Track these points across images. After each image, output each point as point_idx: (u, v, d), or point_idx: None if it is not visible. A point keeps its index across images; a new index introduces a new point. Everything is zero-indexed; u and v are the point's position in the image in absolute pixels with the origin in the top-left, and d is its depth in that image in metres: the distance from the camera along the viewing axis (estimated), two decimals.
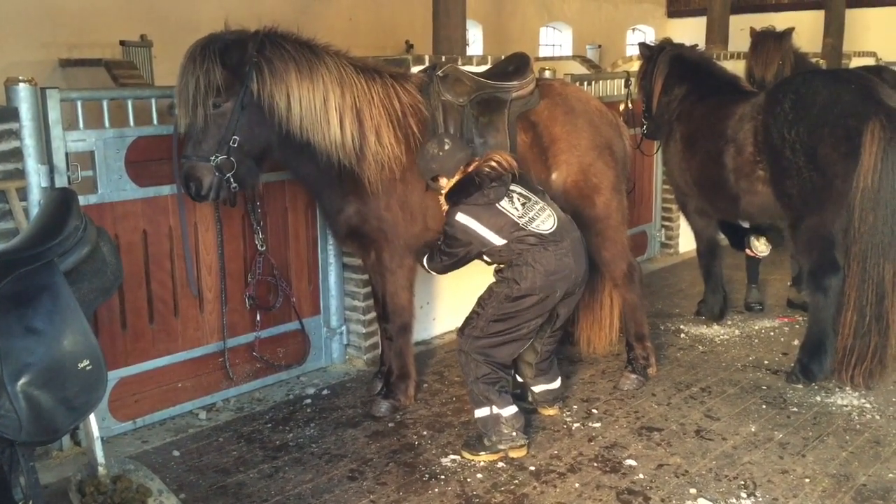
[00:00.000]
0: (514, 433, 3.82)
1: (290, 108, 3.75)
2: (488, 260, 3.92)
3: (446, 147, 3.82)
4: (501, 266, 3.88)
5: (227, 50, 3.66)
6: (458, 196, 3.77)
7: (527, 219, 3.76)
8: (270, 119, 3.78)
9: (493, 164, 3.78)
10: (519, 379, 4.25)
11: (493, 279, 3.94)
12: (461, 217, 3.75)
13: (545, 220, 3.80)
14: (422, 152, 3.89)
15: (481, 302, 3.90)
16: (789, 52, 6.42)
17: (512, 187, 3.81)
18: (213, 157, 3.71)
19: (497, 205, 3.74)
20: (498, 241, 3.74)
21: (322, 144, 3.87)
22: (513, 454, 3.84)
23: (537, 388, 4.24)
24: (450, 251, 3.86)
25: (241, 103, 3.71)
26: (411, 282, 4.33)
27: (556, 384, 4.28)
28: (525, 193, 3.85)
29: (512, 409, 3.86)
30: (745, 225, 5.47)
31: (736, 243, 5.62)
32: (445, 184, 3.85)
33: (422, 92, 4.19)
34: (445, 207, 3.86)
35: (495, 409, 3.82)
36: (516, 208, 3.77)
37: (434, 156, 3.82)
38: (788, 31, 6.46)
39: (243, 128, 3.74)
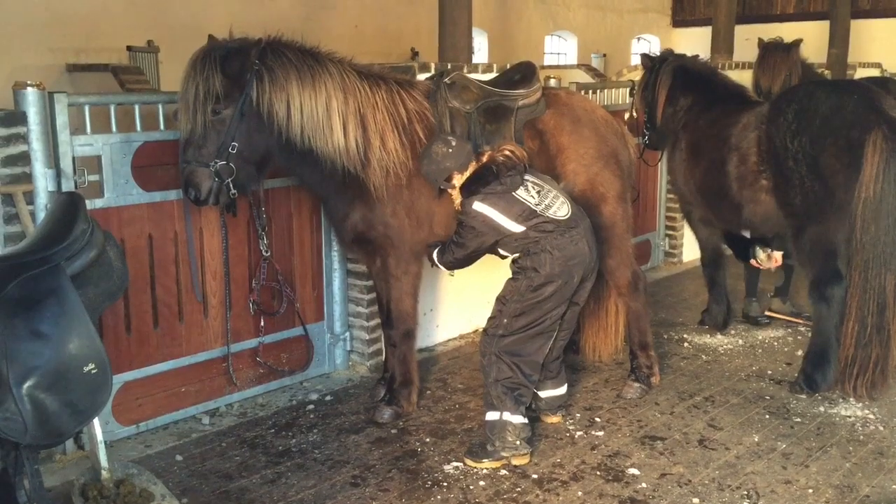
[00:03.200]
0: (517, 442, 3.82)
1: (289, 115, 3.79)
2: (503, 253, 3.91)
3: (453, 143, 3.84)
4: (517, 257, 3.88)
5: (229, 57, 3.70)
6: (475, 186, 3.78)
7: (543, 206, 3.79)
8: (270, 126, 3.82)
9: (507, 153, 3.80)
10: None
11: (499, 286, 3.94)
12: (479, 206, 3.75)
13: (560, 206, 3.84)
14: (429, 157, 3.87)
15: (501, 300, 3.90)
16: (797, 63, 6.43)
17: (526, 177, 3.84)
18: (212, 163, 3.75)
19: (513, 193, 3.76)
20: (516, 228, 3.76)
21: (325, 151, 3.89)
22: (515, 462, 3.84)
23: (544, 394, 4.24)
24: (464, 242, 3.85)
25: (240, 110, 3.74)
26: (416, 288, 4.34)
27: (563, 390, 4.29)
28: (538, 182, 3.88)
29: (521, 420, 3.86)
30: (747, 235, 5.48)
31: (740, 254, 5.62)
32: (459, 179, 3.85)
33: (428, 99, 4.21)
34: (459, 200, 3.86)
35: (506, 416, 3.82)
36: (532, 196, 3.79)
37: (445, 155, 3.82)
38: (796, 43, 6.47)
39: (242, 135, 3.78)
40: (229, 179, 3.79)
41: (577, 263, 3.84)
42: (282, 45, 3.87)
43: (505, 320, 3.84)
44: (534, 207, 3.77)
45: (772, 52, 6.49)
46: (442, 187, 3.96)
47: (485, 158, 3.82)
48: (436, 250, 4.05)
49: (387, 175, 4.01)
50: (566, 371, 4.39)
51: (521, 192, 3.78)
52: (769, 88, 6.25)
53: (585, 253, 3.88)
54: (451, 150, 3.82)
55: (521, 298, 3.81)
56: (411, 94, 4.16)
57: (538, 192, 3.82)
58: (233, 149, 3.76)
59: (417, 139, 4.10)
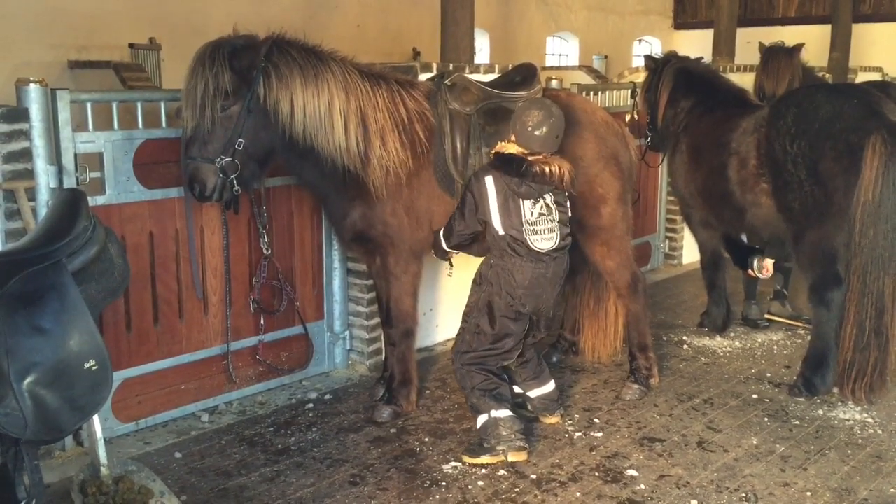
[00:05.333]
0: (512, 435, 3.84)
1: (293, 113, 3.80)
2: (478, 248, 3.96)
3: (554, 135, 3.79)
4: (486, 259, 3.93)
5: (237, 54, 3.71)
6: (500, 164, 3.78)
7: (532, 228, 3.80)
8: (275, 123, 3.83)
9: (547, 170, 3.73)
10: (517, 389, 4.26)
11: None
12: (488, 181, 3.77)
13: (545, 239, 3.84)
14: (536, 103, 3.85)
15: (465, 316, 4.00)
16: (798, 67, 6.43)
17: (546, 195, 3.82)
18: (218, 159, 3.76)
19: (521, 199, 3.77)
20: (497, 225, 3.79)
21: (326, 149, 3.90)
22: (512, 457, 3.85)
23: (533, 394, 4.26)
24: (462, 211, 3.87)
25: (247, 107, 3.75)
26: (416, 288, 4.35)
27: (551, 386, 4.30)
28: (550, 205, 3.85)
29: (507, 413, 3.89)
30: (745, 239, 5.49)
31: (738, 262, 5.63)
32: (509, 139, 3.83)
33: (429, 100, 4.21)
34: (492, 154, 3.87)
35: (493, 413, 3.87)
36: (532, 213, 3.80)
37: (543, 131, 3.76)
38: (798, 47, 6.48)
39: (249, 131, 3.79)
40: (233, 176, 3.80)
41: (533, 296, 3.87)
42: (287, 43, 3.88)
43: (468, 336, 3.95)
44: (523, 223, 3.78)
45: (775, 56, 6.49)
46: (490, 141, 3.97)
47: (530, 157, 3.75)
48: (441, 230, 4.05)
49: (386, 174, 4.02)
50: (566, 372, 4.40)
51: (527, 203, 3.78)
52: (773, 93, 6.25)
53: (544, 289, 3.89)
54: (540, 132, 3.75)
55: (480, 316, 3.91)
56: (411, 94, 4.17)
57: (539, 215, 3.82)
58: (239, 145, 3.77)
59: (417, 138, 4.11)
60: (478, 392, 3.90)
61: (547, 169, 3.75)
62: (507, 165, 3.76)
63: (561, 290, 4.10)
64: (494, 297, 3.87)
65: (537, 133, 3.77)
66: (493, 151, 3.85)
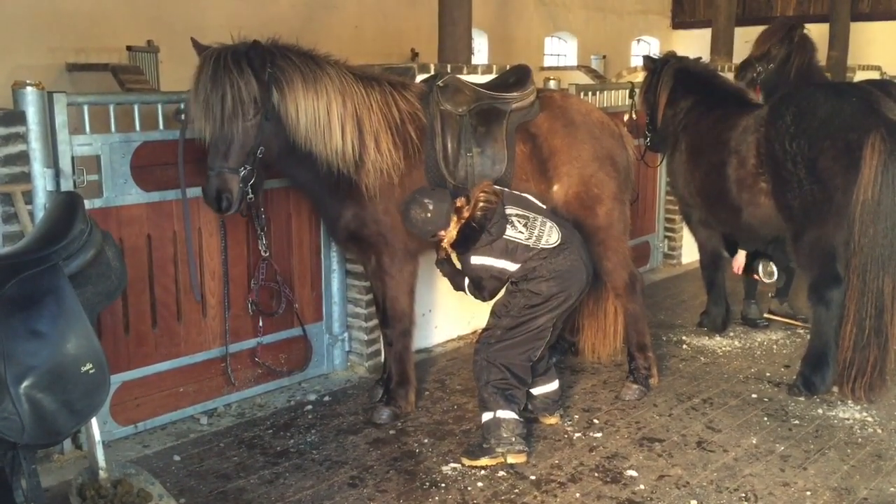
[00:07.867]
0: (512, 438, 3.84)
1: (298, 118, 3.80)
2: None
3: (430, 207, 3.83)
4: (517, 280, 3.93)
5: (255, 62, 3.67)
6: (466, 245, 3.84)
7: (534, 238, 3.85)
8: (285, 129, 3.82)
9: (482, 203, 3.80)
10: None
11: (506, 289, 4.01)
12: (476, 260, 3.87)
13: (550, 232, 3.90)
14: (409, 220, 3.88)
15: (496, 313, 3.99)
16: (797, 45, 6.46)
17: (508, 211, 3.86)
18: (241, 168, 3.73)
19: (503, 237, 3.81)
20: (513, 267, 3.86)
21: (323, 153, 3.90)
22: (511, 460, 3.85)
23: (536, 391, 4.25)
24: (482, 287, 3.99)
25: (264, 115, 3.73)
26: (412, 287, 4.34)
27: (555, 385, 4.30)
28: (522, 213, 3.91)
29: (513, 415, 3.88)
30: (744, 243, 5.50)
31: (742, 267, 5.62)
32: (446, 233, 3.89)
33: (421, 101, 4.21)
34: (454, 255, 3.94)
35: (499, 413, 3.87)
36: (521, 232, 3.85)
37: (425, 220, 3.84)
38: (794, 24, 6.55)
39: (266, 139, 3.78)
40: (250, 184, 3.78)
41: (575, 281, 3.94)
42: (286, 49, 3.87)
43: (498, 332, 3.94)
44: (525, 243, 3.84)
45: (769, 28, 6.62)
46: (431, 240, 4.00)
47: (466, 214, 3.82)
48: (466, 284, 4.06)
49: (380, 175, 4.02)
50: (565, 373, 4.40)
51: (509, 232, 3.83)
52: (753, 54, 6.41)
53: (581, 269, 3.97)
54: (429, 215, 3.83)
55: (518, 315, 3.91)
56: (404, 96, 4.17)
57: (525, 225, 3.87)
58: (260, 153, 3.76)
59: (409, 139, 4.11)
60: (491, 388, 3.89)
61: (481, 203, 3.79)
62: (470, 241, 3.82)
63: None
64: (536, 300, 3.87)
65: (436, 208, 3.81)
66: (449, 246, 3.89)
